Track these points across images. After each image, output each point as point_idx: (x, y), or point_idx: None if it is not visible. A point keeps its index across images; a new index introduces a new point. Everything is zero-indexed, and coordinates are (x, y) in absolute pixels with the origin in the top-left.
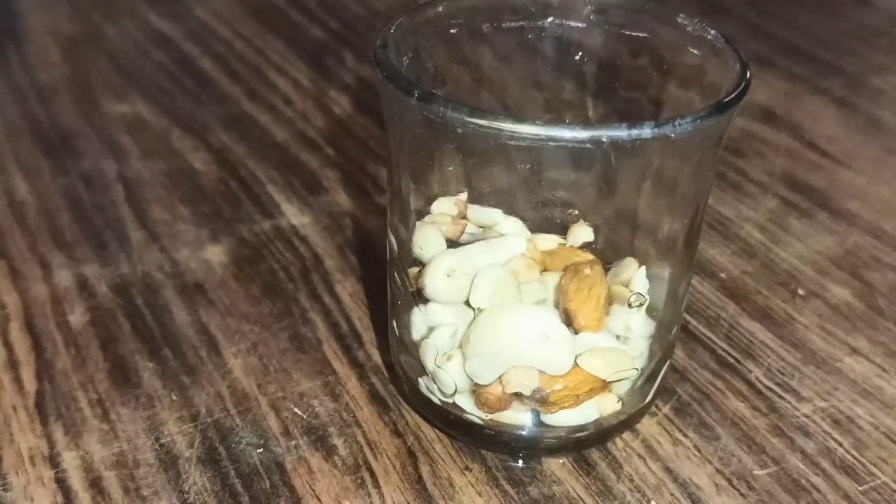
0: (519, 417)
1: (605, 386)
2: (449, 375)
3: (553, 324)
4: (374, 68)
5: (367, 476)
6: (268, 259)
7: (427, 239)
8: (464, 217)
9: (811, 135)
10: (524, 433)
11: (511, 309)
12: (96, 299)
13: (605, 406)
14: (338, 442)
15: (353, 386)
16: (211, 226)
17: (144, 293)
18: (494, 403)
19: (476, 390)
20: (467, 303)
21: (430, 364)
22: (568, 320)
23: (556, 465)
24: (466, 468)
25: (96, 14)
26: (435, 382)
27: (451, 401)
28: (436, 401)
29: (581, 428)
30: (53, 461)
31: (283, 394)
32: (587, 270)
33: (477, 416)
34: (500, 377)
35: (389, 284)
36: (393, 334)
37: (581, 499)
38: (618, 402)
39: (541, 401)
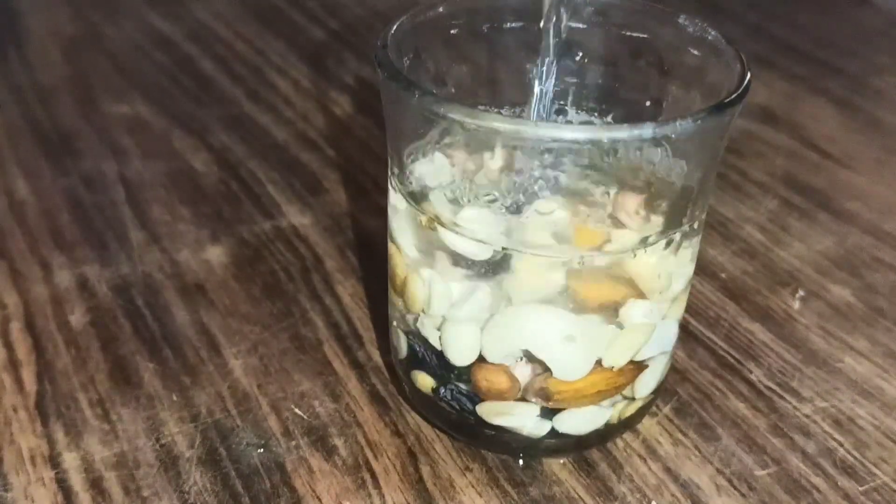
0: (528, 423)
1: (615, 389)
2: (456, 336)
3: (580, 326)
4: (375, 69)
5: (367, 476)
6: (268, 259)
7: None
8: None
9: (811, 135)
10: (525, 433)
11: (544, 305)
12: (97, 300)
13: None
14: (338, 442)
15: (353, 386)
16: (211, 226)
17: (145, 294)
18: (487, 391)
19: (474, 374)
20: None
21: (439, 310)
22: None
23: (557, 466)
24: (467, 468)
25: (97, 15)
26: (433, 350)
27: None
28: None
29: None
30: (54, 461)
31: (284, 394)
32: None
33: (476, 413)
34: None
35: (390, 284)
36: (393, 331)
37: (581, 499)
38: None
39: (545, 398)
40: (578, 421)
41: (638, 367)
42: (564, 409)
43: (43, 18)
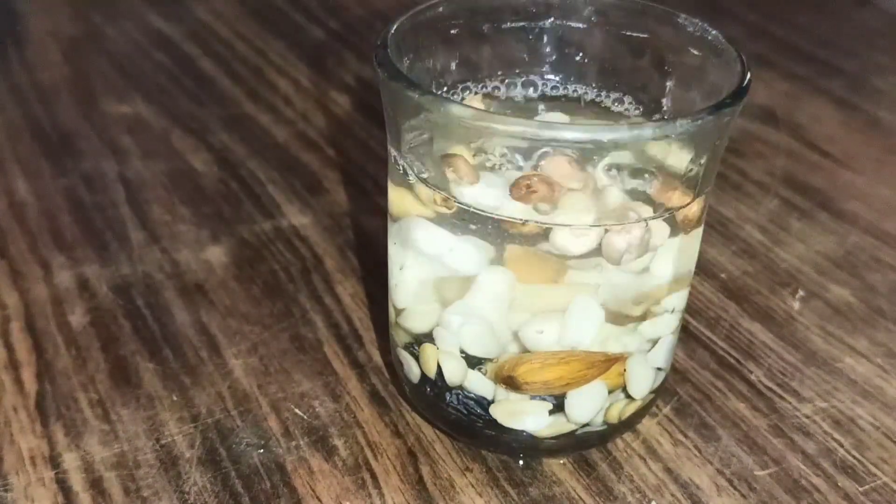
0: (532, 418)
1: (584, 376)
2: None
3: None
4: (375, 69)
5: (367, 477)
6: (268, 260)
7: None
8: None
9: (812, 135)
10: (524, 433)
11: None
12: (97, 300)
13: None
14: (338, 442)
15: (353, 386)
16: (211, 226)
17: (145, 294)
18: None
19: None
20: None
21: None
22: None
23: (557, 466)
24: (467, 469)
25: (97, 15)
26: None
27: None
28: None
29: (582, 427)
30: (54, 462)
31: (284, 394)
32: None
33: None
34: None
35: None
36: (401, 356)
37: (581, 499)
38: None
39: (506, 379)
40: (584, 407)
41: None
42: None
43: (43, 18)
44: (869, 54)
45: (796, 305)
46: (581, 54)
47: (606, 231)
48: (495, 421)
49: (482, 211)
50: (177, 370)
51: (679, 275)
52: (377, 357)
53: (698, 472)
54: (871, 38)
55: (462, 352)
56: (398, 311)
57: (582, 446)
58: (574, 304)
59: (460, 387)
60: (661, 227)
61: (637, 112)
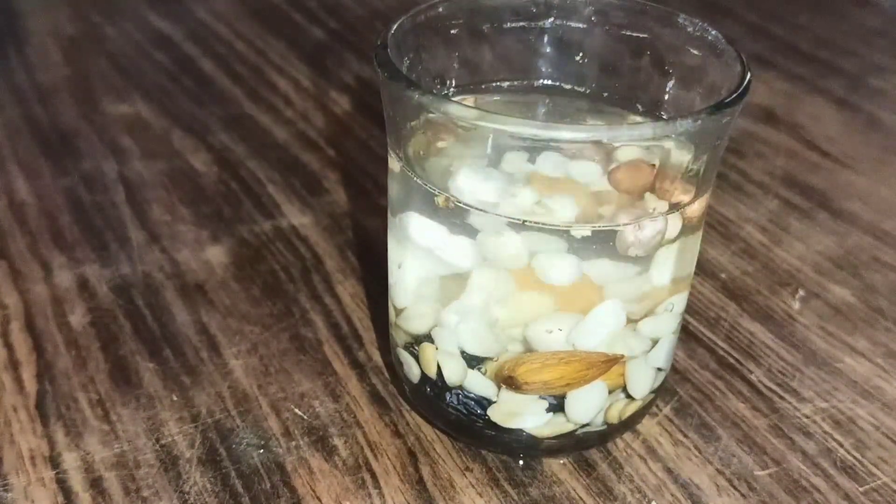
0: (532, 417)
1: (585, 376)
2: None
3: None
4: (375, 69)
5: (367, 477)
6: (268, 260)
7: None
8: None
9: (811, 135)
10: (524, 433)
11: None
12: (97, 300)
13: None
14: (338, 442)
15: (353, 386)
16: (211, 226)
17: (145, 294)
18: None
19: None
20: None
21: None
22: None
23: (557, 466)
24: (467, 468)
25: (97, 15)
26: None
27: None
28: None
29: (582, 427)
30: (54, 462)
31: (284, 394)
32: None
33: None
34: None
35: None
36: (393, 326)
37: (581, 499)
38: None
39: (506, 379)
40: (585, 407)
41: (610, 359)
42: (564, 394)
43: (43, 18)
44: (869, 54)
45: (796, 305)
46: (581, 54)
47: (621, 228)
48: (495, 421)
49: (482, 210)
50: (177, 370)
51: (680, 275)
52: (377, 357)
53: (698, 472)
54: (870, 38)
55: (462, 351)
56: (398, 311)
57: (582, 446)
58: (601, 307)
59: (460, 387)
60: (673, 222)
61: (637, 112)
